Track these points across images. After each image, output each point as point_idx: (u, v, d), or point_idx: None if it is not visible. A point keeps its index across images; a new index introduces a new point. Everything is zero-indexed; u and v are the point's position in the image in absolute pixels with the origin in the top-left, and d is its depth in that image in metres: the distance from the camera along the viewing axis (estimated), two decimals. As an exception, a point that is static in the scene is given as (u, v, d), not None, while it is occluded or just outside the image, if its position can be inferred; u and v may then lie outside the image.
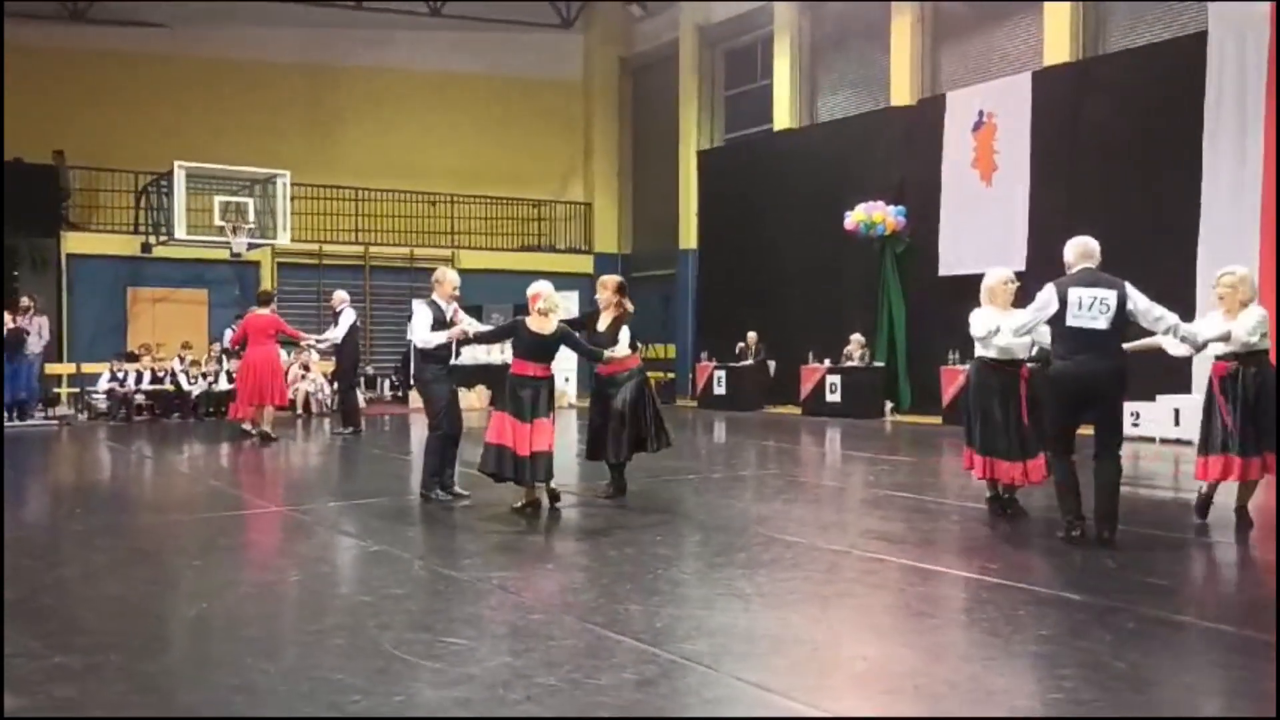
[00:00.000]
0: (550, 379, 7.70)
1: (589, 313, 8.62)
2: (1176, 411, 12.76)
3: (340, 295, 14.70)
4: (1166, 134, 14.17)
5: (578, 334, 8.09)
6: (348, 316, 14.25)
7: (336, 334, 14.25)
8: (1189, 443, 12.41)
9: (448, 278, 8.45)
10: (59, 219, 19.43)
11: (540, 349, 7.64)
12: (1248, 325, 6.78)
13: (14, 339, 15.22)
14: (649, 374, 8.29)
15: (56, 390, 17.88)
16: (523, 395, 7.47)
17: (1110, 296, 6.20)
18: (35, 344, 16.16)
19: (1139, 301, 6.24)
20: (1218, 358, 6.99)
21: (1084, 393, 6.28)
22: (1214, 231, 13.43)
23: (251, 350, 13.38)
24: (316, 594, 5.41)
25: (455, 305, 8.42)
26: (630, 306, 8.41)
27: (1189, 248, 13.46)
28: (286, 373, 15.69)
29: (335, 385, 15.79)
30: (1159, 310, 6.32)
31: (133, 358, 17.45)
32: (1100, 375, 6.25)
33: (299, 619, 4.99)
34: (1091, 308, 6.19)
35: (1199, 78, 13.65)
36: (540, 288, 7.68)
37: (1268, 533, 6.84)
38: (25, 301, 16.25)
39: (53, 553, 6.49)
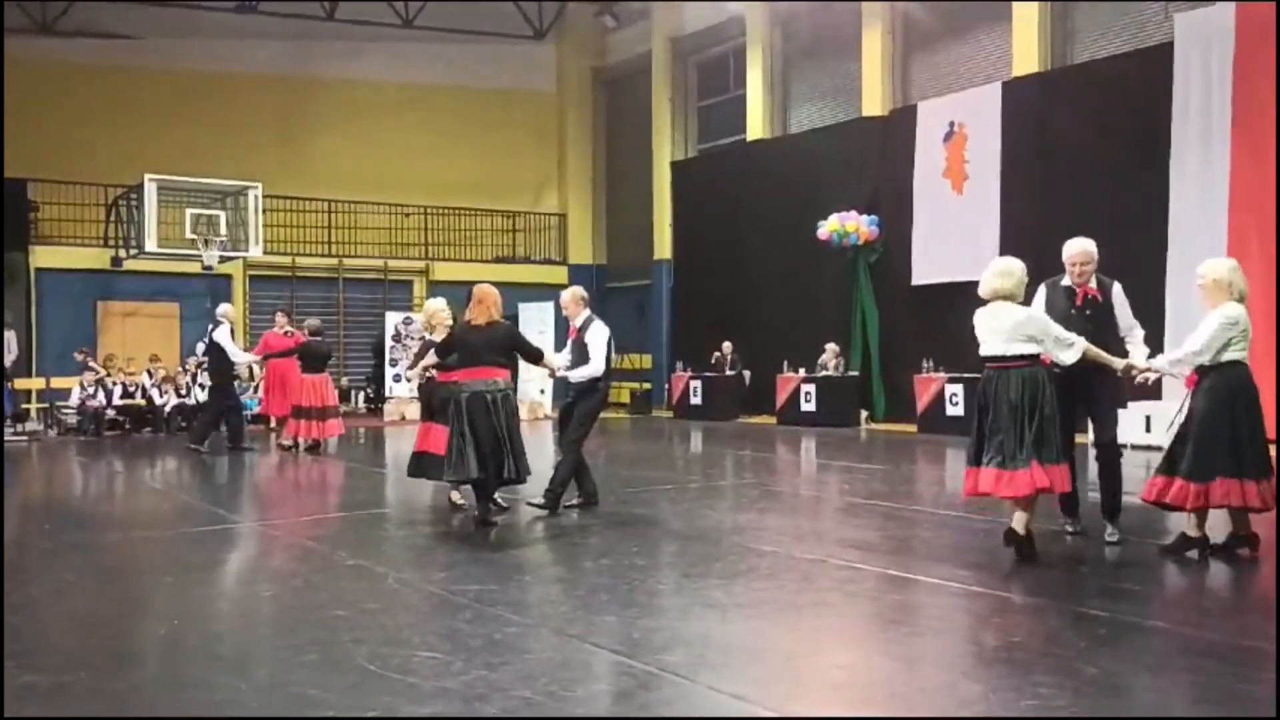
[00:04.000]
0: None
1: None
2: (1148, 418, 12.87)
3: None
4: (1134, 143, 14.33)
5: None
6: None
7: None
8: (1159, 448, 12.57)
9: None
10: (27, 233, 19.23)
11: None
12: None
13: None
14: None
15: (25, 406, 17.68)
16: None
17: None
18: (5, 359, 15.99)
19: None
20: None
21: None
22: (1182, 239, 13.58)
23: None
24: (290, 609, 5.37)
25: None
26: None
27: (1158, 255, 13.60)
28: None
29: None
30: None
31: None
32: None
33: (272, 634, 4.95)
34: None
35: (1166, 87, 13.82)
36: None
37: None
38: None
39: (21, 570, 6.40)
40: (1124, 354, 6.67)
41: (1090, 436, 7.00)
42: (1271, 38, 12.62)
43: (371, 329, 21.55)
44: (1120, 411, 7.14)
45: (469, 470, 7.43)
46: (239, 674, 4.20)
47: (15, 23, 20.10)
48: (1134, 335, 6.74)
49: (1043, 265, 7.05)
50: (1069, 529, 6.89)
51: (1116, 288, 6.75)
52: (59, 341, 18.90)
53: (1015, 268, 6.28)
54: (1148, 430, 12.82)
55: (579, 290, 8.63)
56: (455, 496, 8.31)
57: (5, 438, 15.31)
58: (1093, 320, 6.60)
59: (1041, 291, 6.76)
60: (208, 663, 4.39)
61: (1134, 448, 12.81)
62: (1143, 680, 4.14)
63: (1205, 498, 6.07)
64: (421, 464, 8.53)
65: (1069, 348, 6.17)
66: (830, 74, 19.86)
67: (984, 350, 6.28)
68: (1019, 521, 6.13)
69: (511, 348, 7.76)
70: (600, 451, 12.95)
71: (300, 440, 13.30)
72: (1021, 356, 6.13)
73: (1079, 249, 6.69)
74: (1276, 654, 4.25)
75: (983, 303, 6.33)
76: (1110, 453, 6.77)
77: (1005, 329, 6.14)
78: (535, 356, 7.98)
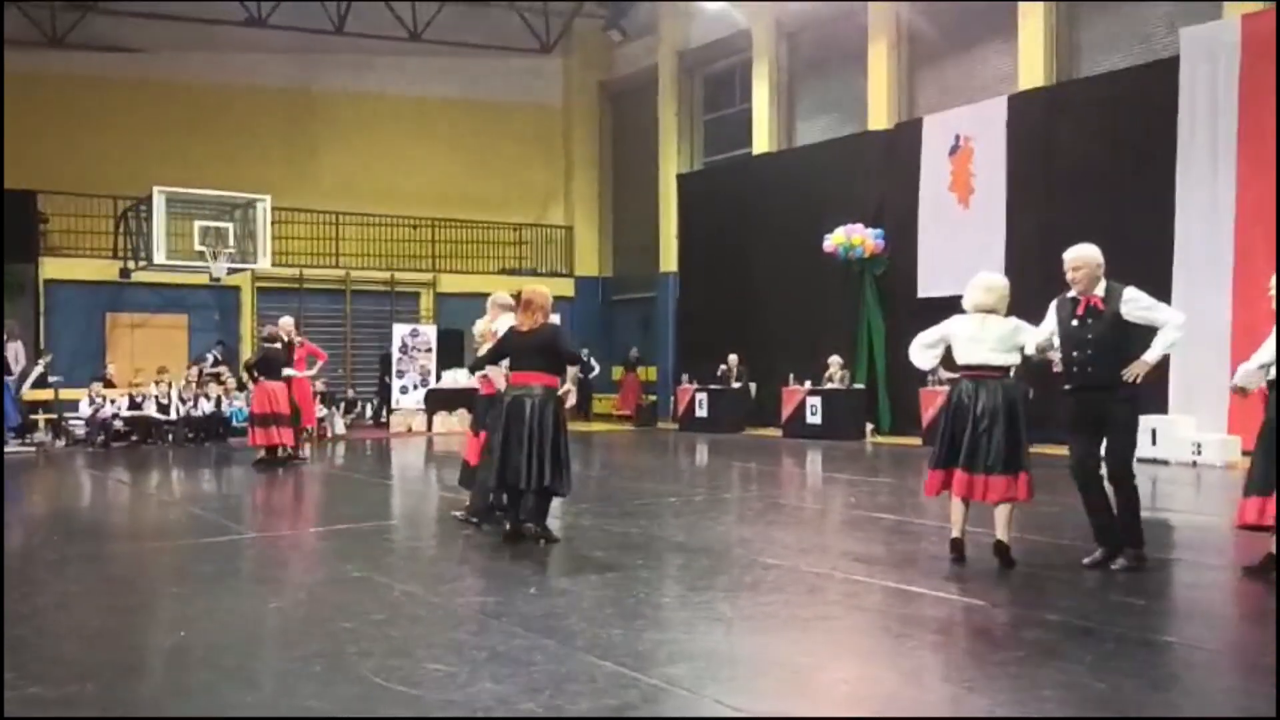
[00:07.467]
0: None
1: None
2: (1154, 431, 12.86)
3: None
4: (1140, 157, 14.34)
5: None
6: None
7: None
8: (1165, 462, 12.57)
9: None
10: (36, 245, 19.31)
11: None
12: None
13: None
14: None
15: (33, 417, 17.72)
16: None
17: None
18: (12, 370, 16.01)
19: None
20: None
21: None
22: (1188, 253, 13.59)
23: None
24: (296, 621, 5.38)
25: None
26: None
27: (1164, 269, 13.58)
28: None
29: None
30: None
31: (110, 384, 17.33)
32: None
33: (278, 647, 4.95)
34: None
35: (1171, 101, 13.84)
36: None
37: (1244, 552, 6.88)
38: None
39: (28, 581, 6.42)
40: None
41: (1105, 464, 6.57)
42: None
43: (379, 341, 21.60)
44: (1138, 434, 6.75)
45: (495, 477, 7.24)
46: (245, 686, 4.21)
47: (26, 35, 20.24)
48: (1158, 337, 6.22)
49: (1049, 279, 7.02)
50: (1086, 561, 6.37)
51: (1127, 293, 6.26)
52: (68, 353, 18.97)
53: (998, 283, 6.47)
54: (1154, 444, 12.81)
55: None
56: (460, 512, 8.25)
57: (12, 449, 15.36)
58: (1092, 330, 6.23)
59: (1052, 307, 6.53)
60: (214, 674, 4.39)
61: (1139, 460, 12.77)
62: (1150, 696, 4.13)
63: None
64: (470, 474, 8.34)
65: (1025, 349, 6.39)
66: (836, 88, 19.91)
67: (964, 358, 6.37)
68: (957, 525, 6.39)
69: (552, 351, 7.34)
70: (605, 464, 12.95)
71: (262, 448, 12.91)
72: (1003, 368, 6.33)
73: (1069, 254, 6.39)
74: (1277, 656, 4.24)
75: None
76: (1124, 481, 6.38)
77: (991, 339, 6.29)
78: (572, 360, 7.65)
